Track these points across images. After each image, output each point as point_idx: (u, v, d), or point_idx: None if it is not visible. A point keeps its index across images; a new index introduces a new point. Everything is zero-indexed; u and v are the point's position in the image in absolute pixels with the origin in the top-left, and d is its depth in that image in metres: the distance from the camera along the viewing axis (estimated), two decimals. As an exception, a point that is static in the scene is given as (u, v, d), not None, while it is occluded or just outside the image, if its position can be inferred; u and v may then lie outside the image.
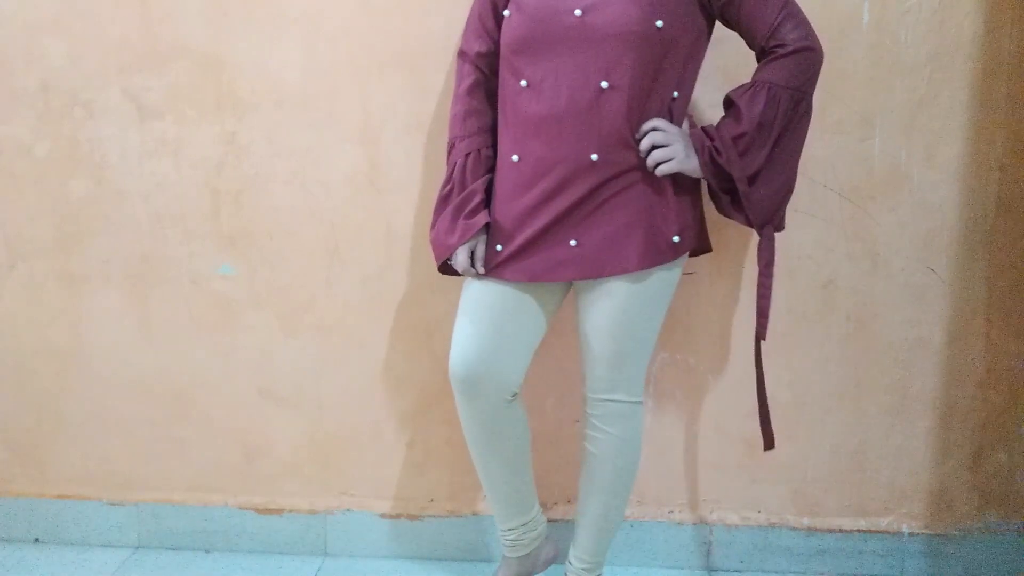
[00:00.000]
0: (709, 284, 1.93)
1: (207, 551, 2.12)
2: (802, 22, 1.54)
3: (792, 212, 1.88)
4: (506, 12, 1.60)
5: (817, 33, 1.76)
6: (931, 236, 1.88)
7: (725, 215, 1.65)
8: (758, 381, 1.76)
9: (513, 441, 1.72)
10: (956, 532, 1.98)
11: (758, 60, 1.59)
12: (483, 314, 1.65)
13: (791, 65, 1.53)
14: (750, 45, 1.60)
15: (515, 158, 1.59)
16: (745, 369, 1.95)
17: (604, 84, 1.51)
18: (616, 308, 1.60)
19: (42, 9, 1.94)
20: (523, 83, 1.56)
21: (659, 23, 1.49)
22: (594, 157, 1.54)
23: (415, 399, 2.03)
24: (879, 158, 1.86)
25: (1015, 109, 1.82)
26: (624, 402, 1.66)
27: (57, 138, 1.99)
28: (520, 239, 1.59)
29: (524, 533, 1.79)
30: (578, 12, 1.51)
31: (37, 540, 2.16)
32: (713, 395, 1.96)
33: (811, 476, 1.99)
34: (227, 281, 2.02)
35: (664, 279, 1.62)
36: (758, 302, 1.68)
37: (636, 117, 1.54)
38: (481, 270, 1.64)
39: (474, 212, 1.63)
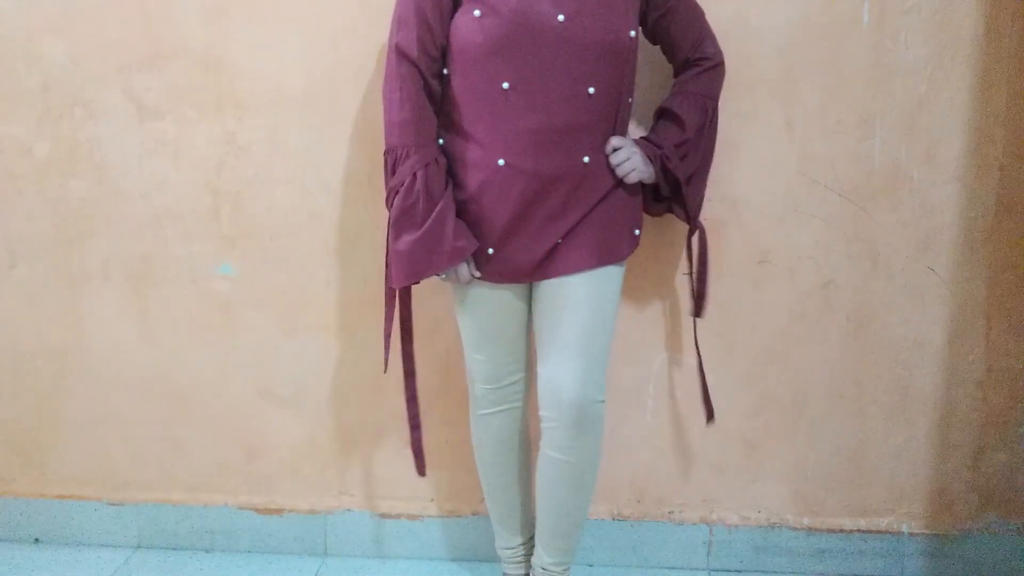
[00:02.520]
0: (708, 284, 1.93)
1: (207, 551, 2.12)
2: (715, 38, 1.72)
3: (792, 212, 1.89)
4: (476, 12, 1.54)
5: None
6: (931, 236, 1.88)
7: (658, 214, 1.78)
8: (699, 360, 1.88)
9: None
10: (956, 532, 1.98)
11: (677, 71, 1.73)
12: (513, 341, 1.73)
13: (714, 78, 1.71)
14: (672, 57, 1.73)
15: (501, 162, 1.58)
16: (745, 369, 1.96)
17: (591, 90, 1.56)
18: (589, 302, 1.63)
19: (42, 9, 1.94)
20: (505, 85, 1.55)
21: (632, 33, 1.58)
22: (586, 160, 1.60)
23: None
24: (879, 158, 1.86)
25: (1015, 109, 1.82)
26: (600, 402, 1.64)
27: (57, 138, 1.99)
28: (512, 242, 1.62)
29: (532, 548, 1.85)
30: (561, 18, 1.53)
31: (37, 540, 2.16)
32: (713, 395, 1.96)
33: (811, 476, 1.99)
34: (227, 281, 2.02)
35: (621, 274, 1.71)
36: (697, 287, 1.82)
37: (616, 121, 1.64)
38: (477, 274, 1.66)
39: (459, 232, 1.60)
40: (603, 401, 1.65)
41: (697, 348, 1.87)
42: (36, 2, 1.94)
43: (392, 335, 1.77)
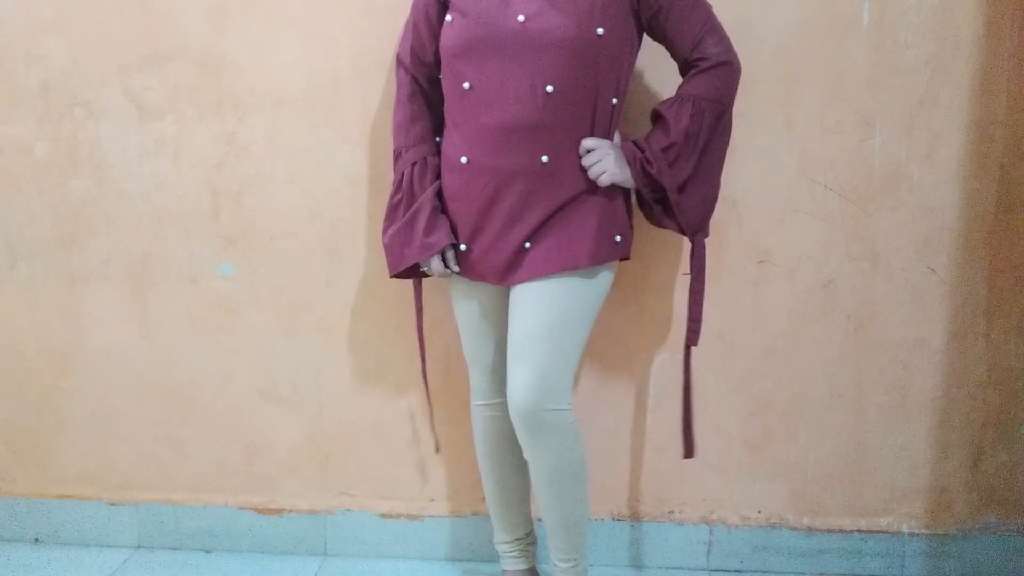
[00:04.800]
0: (708, 284, 1.92)
1: (207, 551, 2.12)
2: (723, 37, 1.61)
3: (792, 212, 1.88)
4: (448, 17, 1.62)
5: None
6: (931, 236, 1.88)
7: (657, 224, 1.71)
8: (684, 388, 1.80)
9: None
10: (956, 532, 1.98)
11: (681, 72, 1.66)
12: (502, 337, 1.71)
13: (713, 78, 1.60)
14: (674, 57, 1.66)
15: (464, 160, 1.62)
16: (745, 369, 1.96)
17: (549, 88, 1.55)
18: (550, 307, 1.60)
19: (42, 9, 1.94)
20: (466, 85, 1.59)
21: (600, 31, 1.54)
22: (544, 159, 1.58)
23: (415, 399, 2.03)
24: (879, 158, 1.86)
25: (1015, 109, 1.82)
26: (557, 410, 1.61)
27: (57, 138, 1.99)
28: (480, 240, 1.64)
29: (529, 544, 1.88)
30: (521, 18, 1.54)
31: (37, 540, 2.16)
32: (713, 395, 1.96)
33: (811, 476, 1.99)
34: (227, 281, 2.02)
35: (599, 281, 1.65)
36: (691, 308, 1.73)
37: (583, 121, 1.59)
38: (456, 268, 1.69)
39: (431, 228, 1.65)
40: (563, 409, 1.60)
41: (686, 376, 1.80)
42: (36, 2, 1.94)
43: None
